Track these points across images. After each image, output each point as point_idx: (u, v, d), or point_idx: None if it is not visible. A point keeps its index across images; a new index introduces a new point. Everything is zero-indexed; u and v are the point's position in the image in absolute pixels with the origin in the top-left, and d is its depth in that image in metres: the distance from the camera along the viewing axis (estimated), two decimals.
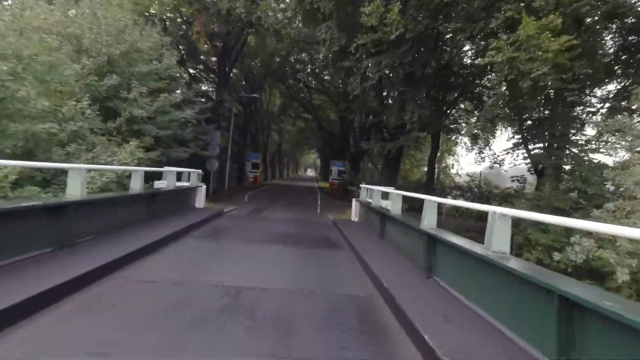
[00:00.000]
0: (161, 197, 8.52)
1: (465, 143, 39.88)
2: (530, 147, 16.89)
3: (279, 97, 38.81)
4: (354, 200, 12.19)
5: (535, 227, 11.35)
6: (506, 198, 25.90)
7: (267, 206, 16.06)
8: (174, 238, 7.15)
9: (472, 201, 24.81)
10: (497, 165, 18.69)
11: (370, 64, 10.58)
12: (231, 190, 23.20)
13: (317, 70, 33.22)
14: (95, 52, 10.01)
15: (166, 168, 9.85)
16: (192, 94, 14.41)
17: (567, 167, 12.29)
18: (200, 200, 11.37)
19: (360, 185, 13.39)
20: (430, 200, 5.93)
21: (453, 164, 34.32)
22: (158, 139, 11.55)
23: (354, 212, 11.98)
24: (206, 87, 27.09)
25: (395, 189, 12.14)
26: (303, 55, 32.22)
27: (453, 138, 29.92)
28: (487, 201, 25.34)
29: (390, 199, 8.11)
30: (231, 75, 29.14)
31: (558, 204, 10.97)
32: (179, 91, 12.13)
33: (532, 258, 10.49)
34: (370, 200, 10.85)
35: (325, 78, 35.52)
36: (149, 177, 10.33)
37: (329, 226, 11.32)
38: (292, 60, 32.37)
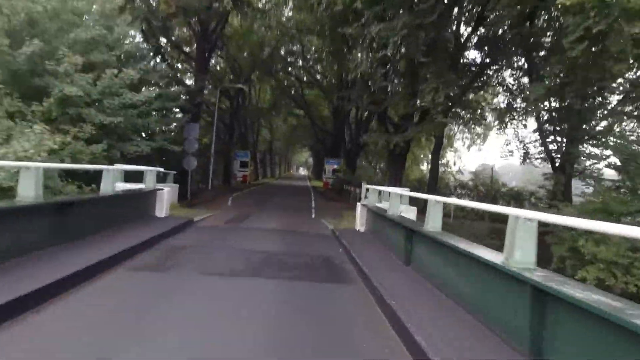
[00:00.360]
0: (86, 207, 5.80)
1: (468, 137, 37.61)
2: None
3: (269, 93, 36.04)
4: (359, 205, 9.57)
5: (585, 236, 8.92)
6: (517, 197, 23.59)
7: (252, 211, 13.36)
8: (93, 273, 4.45)
9: (480, 201, 22.40)
10: (525, 160, 16.18)
11: (380, 29, 8.00)
12: (215, 192, 20.42)
13: (310, 62, 30.56)
14: (7, 8, 7.20)
15: (107, 166, 7.11)
16: (157, 74, 11.65)
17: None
18: (162, 207, 8.65)
19: (366, 186, 10.80)
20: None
21: (455, 161, 31.90)
22: (107, 128, 8.78)
23: (359, 219, 9.36)
24: (189, 81, 24.34)
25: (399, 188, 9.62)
26: (294, 48, 29.57)
27: (456, 130, 27.58)
28: (494, 201, 22.98)
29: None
30: (212, 61, 26.32)
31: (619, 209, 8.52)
32: (134, 70, 9.36)
33: (589, 278, 7.97)
34: (382, 206, 8.26)
35: (317, 70, 32.89)
36: (92, 178, 7.61)
37: (328, 239, 8.68)
38: (283, 53, 29.68)
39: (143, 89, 10.38)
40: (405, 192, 7.61)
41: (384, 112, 13.97)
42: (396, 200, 6.92)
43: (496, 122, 19.28)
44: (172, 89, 12.82)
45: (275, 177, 52.38)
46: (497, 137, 33.44)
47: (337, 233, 8.71)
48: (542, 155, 16.80)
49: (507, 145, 19.42)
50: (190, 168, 15.94)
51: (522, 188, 24.39)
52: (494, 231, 13.02)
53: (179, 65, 23.09)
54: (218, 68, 28.09)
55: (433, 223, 5.04)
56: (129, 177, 8.68)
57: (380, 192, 9.11)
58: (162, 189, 8.59)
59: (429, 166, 26.82)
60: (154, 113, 10.92)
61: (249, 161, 31.43)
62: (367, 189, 9.99)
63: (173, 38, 17.44)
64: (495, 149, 73.95)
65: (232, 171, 31.03)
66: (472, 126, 30.18)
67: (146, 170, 8.26)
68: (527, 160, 17.52)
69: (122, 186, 7.83)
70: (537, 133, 17.88)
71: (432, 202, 5.24)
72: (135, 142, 9.92)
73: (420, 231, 5.13)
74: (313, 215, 13.34)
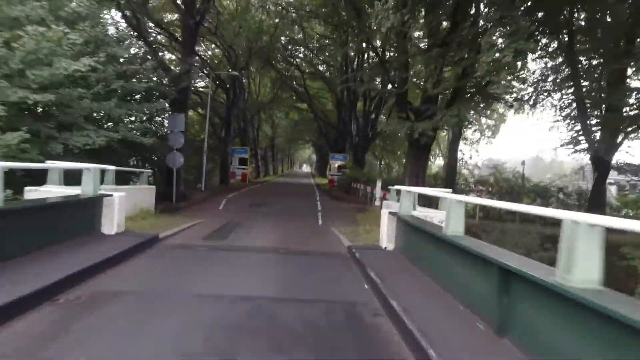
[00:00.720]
0: None
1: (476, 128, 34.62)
2: None
3: (269, 87, 33.35)
4: (385, 212, 6.89)
5: None
6: (543, 193, 20.86)
7: (245, 217, 10.78)
8: None
9: (500, 199, 19.74)
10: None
11: None
12: (209, 193, 17.86)
13: (313, 51, 27.86)
14: None
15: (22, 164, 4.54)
16: (114, 38, 9.02)
17: None
18: (113, 220, 6.06)
19: (396, 187, 8.25)
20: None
21: (470, 155, 29.13)
22: (35, 111, 6.19)
23: (385, 232, 6.72)
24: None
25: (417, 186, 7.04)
26: (295, 36, 26.86)
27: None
28: (517, 199, 20.30)
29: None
30: (204, 47, 23.65)
31: None
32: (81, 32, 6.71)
33: None
34: (423, 216, 5.67)
35: (320, 59, 30.16)
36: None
37: (345, 264, 6.01)
38: (283, 42, 26.98)
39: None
40: (464, 198, 4.99)
41: (404, 95, 11.29)
42: (457, 212, 4.28)
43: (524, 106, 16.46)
44: (145, 68, 10.12)
45: (278, 175, 49.80)
46: (507, 130, 30.21)
47: (356, 254, 6.09)
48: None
49: (552, 130, 16.69)
50: (176, 166, 13.35)
51: (548, 183, 21.70)
52: (545, 238, 10.35)
53: (170, 56, 20.49)
54: (209, 53, 25.36)
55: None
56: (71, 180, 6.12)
57: (413, 195, 6.48)
58: (111, 195, 5.98)
59: (445, 160, 24.14)
60: (138, 100, 8.31)
61: (249, 158, 28.81)
62: (398, 192, 7.37)
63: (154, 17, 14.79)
64: (508, 143, 70.83)
65: (231, 169, 28.48)
66: (487, 113, 27.53)
67: (84, 168, 5.65)
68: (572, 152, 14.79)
69: (48, 191, 5.26)
70: (572, 120, 15.26)
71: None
72: (86, 132, 7.31)
73: (527, 276, 2.57)
74: (320, 222, 10.73)
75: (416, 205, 6.55)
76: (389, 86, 11.82)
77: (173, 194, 13.32)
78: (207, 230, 8.14)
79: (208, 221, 9.56)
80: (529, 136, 78.56)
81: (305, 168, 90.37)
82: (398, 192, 11.28)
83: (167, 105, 12.29)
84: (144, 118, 11.18)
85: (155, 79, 11.21)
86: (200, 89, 24.77)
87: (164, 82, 12.31)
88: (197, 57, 19.01)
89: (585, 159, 16.67)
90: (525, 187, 20.55)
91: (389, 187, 11.05)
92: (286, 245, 6.93)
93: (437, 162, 36.35)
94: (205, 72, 21.60)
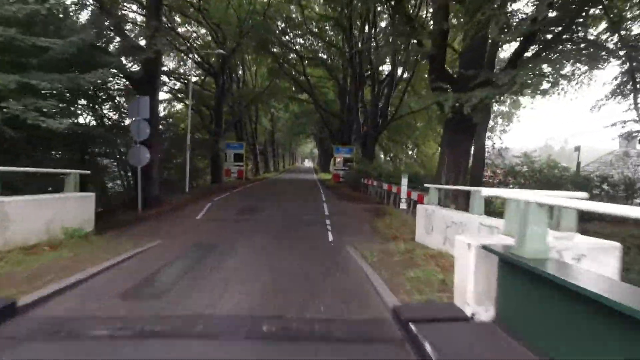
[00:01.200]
0: None
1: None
2: None
3: (267, 77, 29.85)
4: (464, 243, 3.44)
5: None
6: (585, 185, 17.37)
7: (225, 234, 7.44)
8: None
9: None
10: None
11: None
12: (194, 195, 14.57)
13: (312, 33, 24.33)
14: None
15: None
16: None
17: None
18: None
19: (484, 191, 4.91)
20: None
21: (492, 143, 25.48)
22: None
23: (471, 282, 3.29)
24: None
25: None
26: (293, 15, 23.34)
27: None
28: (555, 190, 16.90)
29: None
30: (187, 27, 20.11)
31: None
32: None
33: None
34: (558, 257, 2.29)
35: (321, 46, 26.67)
36: None
37: None
38: (279, 24, 23.47)
39: None
40: None
41: (441, 55, 7.89)
42: None
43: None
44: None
45: (279, 171, 46.44)
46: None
47: (421, 339, 2.74)
48: None
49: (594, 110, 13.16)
50: (140, 164, 10.06)
51: (590, 173, 18.23)
52: None
53: None
54: (194, 35, 21.85)
55: None
56: None
57: (526, 207, 3.07)
58: None
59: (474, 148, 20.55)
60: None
61: (245, 154, 25.44)
62: (455, 195, 4.00)
63: None
64: (514, 131, 66.97)
65: (224, 166, 25.15)
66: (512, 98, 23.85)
67: None
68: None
69: None
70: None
71: None
72: None
73: None
74: (330, 238, 7.35)
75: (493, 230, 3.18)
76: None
77: (138, 200, 10.05)
78: (146, 269, 4.79)
79: (166, 244, 6.24)
80: (537, 123, 74.63)
81: (308, 163, 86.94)
82: (456, 195, 8.07)
83: (116, 79, 8.92)
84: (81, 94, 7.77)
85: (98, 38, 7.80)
86: (191, 80, 21.39)
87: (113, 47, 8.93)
88: (172, 32, 15.59)
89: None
90: (562, 176, 17.08)
91: (426, 185, 7.74)
92: (279, 307, 3.58)
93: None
94: (180, 49, 18.11)
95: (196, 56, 19.50)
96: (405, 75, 19.34)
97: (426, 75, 20.80)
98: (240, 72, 28.08)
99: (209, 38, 21.54)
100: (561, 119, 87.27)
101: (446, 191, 9.68)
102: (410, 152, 31.87)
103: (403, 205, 9.52)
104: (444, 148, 8.75)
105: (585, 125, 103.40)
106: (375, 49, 16.10)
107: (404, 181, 9.47)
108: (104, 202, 11.35)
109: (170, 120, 17.65)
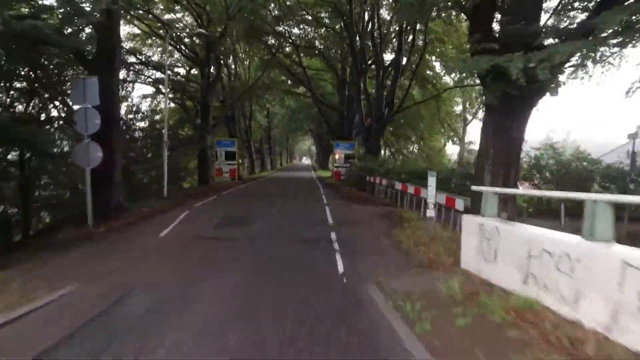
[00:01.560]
0: None
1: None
2: None
3: (260, 68, 27.38)
4: None
5: None
6: (618, 178, 15.05)
7: (188, 267, 5.12)
8: None
9: (561, 187, 14.13)
10: None
11: None
12: (173, 200, 12.21)
13: (307, 21, 21.84)
14: None
15: None
16: None
17: None
18: None
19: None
20: None
21: None
22: None
23: None
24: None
25: None
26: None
27: None
28: (584, 186, 14.66)
29: None
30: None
31: None
32: None
33: None
34: None
35: (317, 35, 24.18)
36: None
37: None
38: (272, 10, 20.96)
39: None
40: None
41: (489, 10, 5.57)
42: None
43: None
44: None
45: (276, 169, 44.04)
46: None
47: None
48: None
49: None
50: (90, 165, 7.69)
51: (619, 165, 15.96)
52: None
53: None
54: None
55: None
56: None
57: None
58: None
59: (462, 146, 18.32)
60: None
61: (238, 151, 23.02)
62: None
63: None
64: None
65: (215, 165, 22.76)
66: None
67: None
68: None
69: None
70: None
71: None
72: None
73: None
74: (341, 268, 4.96)
75: None
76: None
77: (88, 211, 7.70)
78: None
79: (76, 296, 3.87)
80: (537, 114, 72.01)
81: (306, 160, 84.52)
82: (505, 199, 5.90)
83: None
84: None
85: None
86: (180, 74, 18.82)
87: None
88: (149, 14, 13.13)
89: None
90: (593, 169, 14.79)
91: (474, 187, 5.44)
92: None
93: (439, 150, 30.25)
94: (158, 33, 15.65)
95: (178, 44, 17.04)
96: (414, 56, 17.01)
97: (434, 59, 18.51)
98: (232, 65, 25.60)
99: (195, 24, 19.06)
100: (562, 110, 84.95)
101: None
102: (412, 147, 29.50)
103: (431, 213, 7.19)
104: (488, 136, 6.43)
105: (586, 118, 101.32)
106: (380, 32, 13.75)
107: (432, 181, 7.14)
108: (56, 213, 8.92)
109: (146, 111, 15.23)
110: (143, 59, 16.35)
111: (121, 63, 11.69)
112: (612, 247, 2.87)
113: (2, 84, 7.70)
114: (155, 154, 14.92)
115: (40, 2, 7.35)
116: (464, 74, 7.39)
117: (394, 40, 17.41)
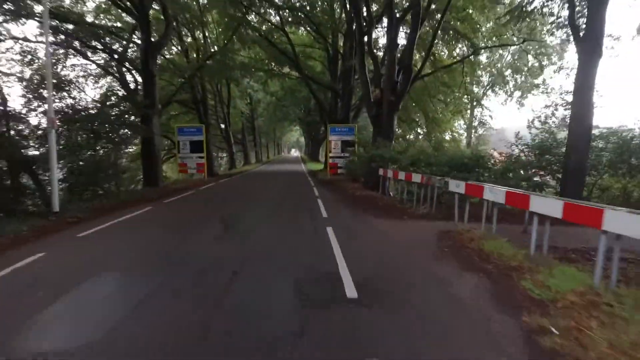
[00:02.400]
0: None
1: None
2: None
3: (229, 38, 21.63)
4: None
5: None
6: None
7: None
8: None
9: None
10: None
11: None
12: (73, 215, 6.82)
13: None
14: None
15: None
16: None
17: None
18: None
19: None
20: None
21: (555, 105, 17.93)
22: None
23: None
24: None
25: None
26: None
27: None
28: None
29: None
30: None
31: None
32: None
33: None
34: None
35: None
36: None
37: None
38: None
39: None
40: None
41: None
42: None
43: None
44: None
45: (262, 162, 38.46)
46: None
47: None
48: None
49: None
50: None
51: None
52: None
53: None
54: None
55: None
56: None
57: None
58: None
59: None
60: None
61: (205, 141, 17.48)
62: None
63: None
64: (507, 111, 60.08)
65: (179, 159, 17.23)
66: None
67: None
68: None
69: None
70: None
71: None
72: None
73: None
74: None
75: None
76: None
77: None
78: None
79: None
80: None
81: (295, 152, 78.89)
82: None
83: None
84: None
85: None
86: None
87: None
88: None
89: None
90: None
91: None
92: None
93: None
94: None
95: None
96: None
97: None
98: (198, 34, 19.79)
99: None
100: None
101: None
102: (415, 132, 24.28)
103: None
104: None
105: None
106: None
107: None
108: None
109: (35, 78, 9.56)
110: None
111: None
112: None
113: None
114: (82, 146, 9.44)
115: None
116: None
117: None
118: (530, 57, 15.07)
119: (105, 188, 10.16)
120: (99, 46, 11.71)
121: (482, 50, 12.55)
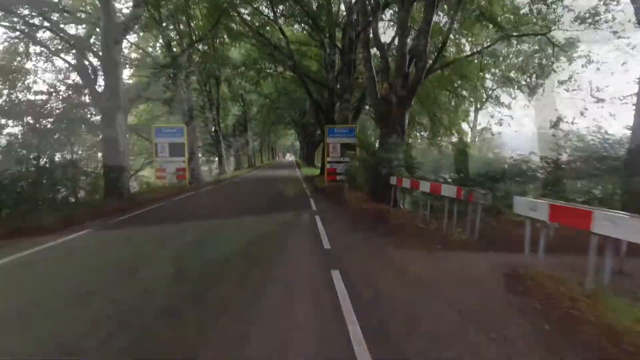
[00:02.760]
0: None
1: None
2: None
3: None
4: None
5: None
6: None
7: None
8: None
9: None
10: None
11: None
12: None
13: None
14: None
15: None
16: None
17: None
18: None
19: None
20: None
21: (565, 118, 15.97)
22: None
23: None
24: None
25: None
26: None
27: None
28: None
29: None
30: None
31: None
32: None
33: None
34: None
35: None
36: None
37: None
38: None
39: None
40: None
41: None
42: None
43: None
44: None
45: (255, 167, 36.24)
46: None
47: None
48: None
49: None
50: None
51: None
52: None
53: None
54: None
55: None
56: None
57: None
58: None
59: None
60: None
61: (187, 143, 15.30)
62: None
63: None
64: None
65: (157, 163, 15.04)
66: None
67: None
68: None
69: None
70: None
71: None
72: None
73: None
74: None
75: None
76: None
77: None
78: None
79: None
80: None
81: (290, 157, 76.68)
82: None
83: None
84: None
85: None
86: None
87: None
88: None
89: None
90: None
91: None
92: None
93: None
94: None
95: None
96: None
97: None
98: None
99: None
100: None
101: None
102: (421, 134, 22.25)
103: None
104: None
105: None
106: None
107: None
108: None
109: None
110: None
111: None
112: None
113: None
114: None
115: None
116: None
117: None
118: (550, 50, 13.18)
119: (49, 198, 7.94)
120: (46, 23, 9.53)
121: (510, 39, 10.54)
